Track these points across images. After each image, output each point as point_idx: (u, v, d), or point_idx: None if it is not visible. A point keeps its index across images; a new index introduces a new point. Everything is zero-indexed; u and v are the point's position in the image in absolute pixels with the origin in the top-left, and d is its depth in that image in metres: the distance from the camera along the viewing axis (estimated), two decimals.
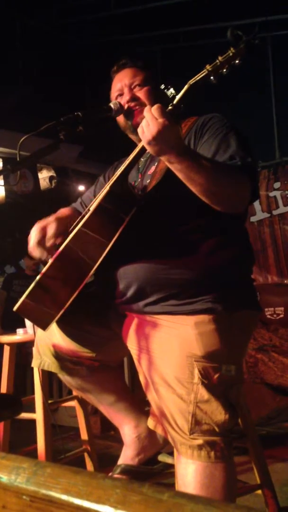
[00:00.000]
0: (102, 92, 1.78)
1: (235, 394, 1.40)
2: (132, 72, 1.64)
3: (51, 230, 1.54)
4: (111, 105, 1.60)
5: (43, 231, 1.55)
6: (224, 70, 1.33)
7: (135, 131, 1.56)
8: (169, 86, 1.39)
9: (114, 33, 6.22)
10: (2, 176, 4.59)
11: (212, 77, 1.33)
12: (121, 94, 1.63)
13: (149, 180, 1.52)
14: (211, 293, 1.38)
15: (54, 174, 5.25)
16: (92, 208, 1.40)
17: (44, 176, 5.27)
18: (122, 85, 1.63)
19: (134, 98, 1.60)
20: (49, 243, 1.53)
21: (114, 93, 1.66)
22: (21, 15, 5.92)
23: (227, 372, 1.36)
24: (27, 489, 0.41)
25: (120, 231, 1.36)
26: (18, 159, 1.50)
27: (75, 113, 1.53)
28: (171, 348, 1.37)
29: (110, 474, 1.71)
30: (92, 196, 1.80)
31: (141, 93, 1.60)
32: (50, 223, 1.57)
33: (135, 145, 1.65)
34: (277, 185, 5.19)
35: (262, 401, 3.28)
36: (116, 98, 1.64)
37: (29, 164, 1.54)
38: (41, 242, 1.53)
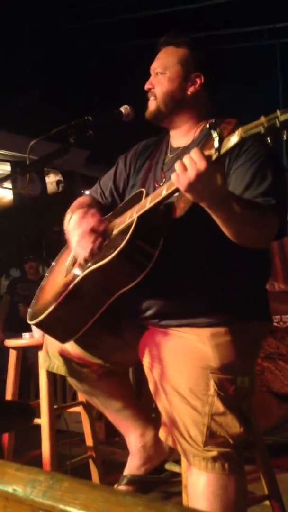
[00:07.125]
0: (110, 96, 1.76)
1: (246, 406, 1.39)
2: (162, 54, 1.56)
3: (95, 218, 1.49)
4: (121, 109, 1.59)
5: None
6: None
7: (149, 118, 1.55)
8: (215, 126, 1.13)
9: (122, 38, 6.24)
10: (9, 180, 4.60)
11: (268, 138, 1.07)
12: None
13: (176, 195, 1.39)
14: (227, 305, 1.37)
15: (61, 178, 5.26)
16: (120, 246, 1.31)
17: (52, 180, 5.28)
18: (151, 68, 1.56)
19: (149, 87, 1.54)
20: (101, 227, 1.47)
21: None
22: (29, 19, 5.95)
23: (241, 384, 1.35)
24: (44, 503, 0.39)
25: (151, 266, 1.31)
26: (28, 162, 1.50)
27: (85, 117, 1.53)
28: (185, 359, 1.35)
29: (116, 484, 1.69)
30: (111, 184, 1.69)
31: (155, 81, 1.53)
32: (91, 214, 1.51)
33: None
34: None
35: (269, 410, 3.25)
36: None
37: (38, 167, 1.54)
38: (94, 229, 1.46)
